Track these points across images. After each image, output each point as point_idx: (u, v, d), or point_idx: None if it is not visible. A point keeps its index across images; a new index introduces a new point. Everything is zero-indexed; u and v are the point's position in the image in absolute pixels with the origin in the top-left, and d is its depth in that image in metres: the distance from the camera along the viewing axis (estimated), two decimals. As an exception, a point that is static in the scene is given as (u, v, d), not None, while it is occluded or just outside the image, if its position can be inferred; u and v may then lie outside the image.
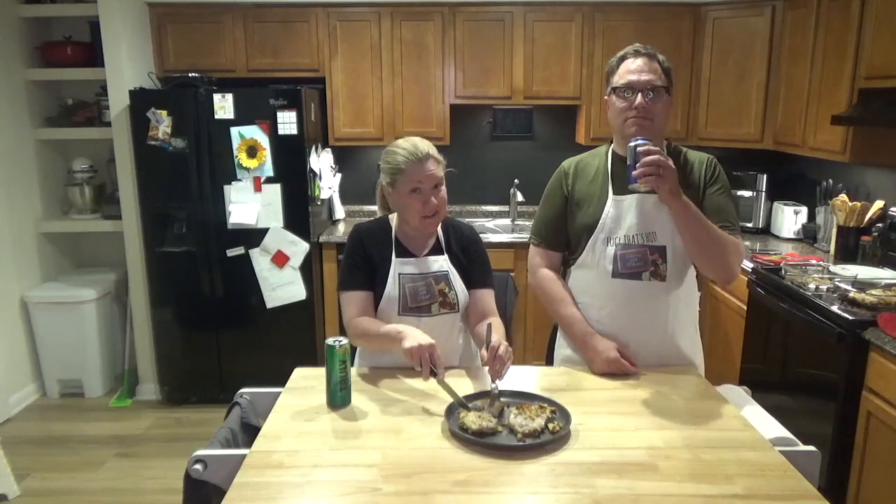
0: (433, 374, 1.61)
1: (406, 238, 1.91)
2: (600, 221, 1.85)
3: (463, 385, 1.71)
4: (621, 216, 1.84)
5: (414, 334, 1.65)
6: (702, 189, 1.84)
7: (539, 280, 1.98)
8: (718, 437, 1.49)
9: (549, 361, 2.07)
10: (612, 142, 1.95)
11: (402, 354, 1.65)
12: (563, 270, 2.01)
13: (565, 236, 1.95)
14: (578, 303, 1.93)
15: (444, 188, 1.84)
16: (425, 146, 1.82)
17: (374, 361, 1.91)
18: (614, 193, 1.86)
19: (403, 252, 1.90)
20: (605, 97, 1.89)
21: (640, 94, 1.77)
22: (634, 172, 1.62)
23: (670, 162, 1.62)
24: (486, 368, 1.65)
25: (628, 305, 1.85)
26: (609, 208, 1.85)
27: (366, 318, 1.84)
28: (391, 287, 1.85)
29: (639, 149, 1.61)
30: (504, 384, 1.67)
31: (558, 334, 2.04)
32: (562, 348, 2.00)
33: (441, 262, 1.90)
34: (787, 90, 3.48)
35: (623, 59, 1.83)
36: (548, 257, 1.98)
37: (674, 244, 1.82)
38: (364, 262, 1.88)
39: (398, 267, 1.87)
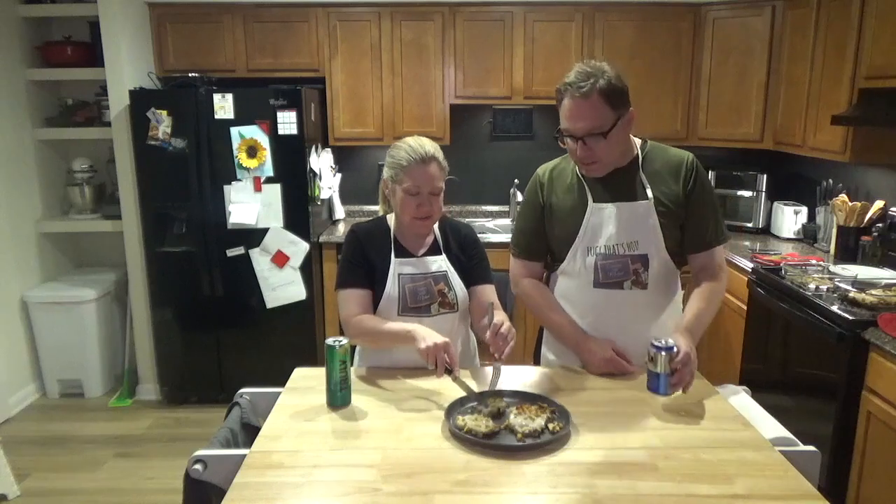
0: (448, 372, 1.63)
1: (404, 237, 1.91)
2: (581, 230, 1.83)
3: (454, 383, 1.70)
4: (602, 224, 1.82)
5: (426, 334, 1.66)
6: (682, 194, 1.82)
7: (523, 289, 1.97)
8: (718, 437, 1.48)
9: (536, 361, 2.06)
10: None
11: (407, 352, 1.67)
12: (546, 274, 2.01)
13: (545, 246, 1.94)
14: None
15: (441, 197, 1.84)
16: (431, 148, 1.82)
17: (374, 361, 1.91)
18: (595, 201, 1.84)
19: (402, 252, 1.90)
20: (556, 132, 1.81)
21: (579, 143, 1.73)
22: (674, 381, 1.60)
23: (693, 353, 1.63)
24: (490, 347, 1.66)
25: (610, 314, 1.84)
26: (589, 216, 1.83)
27: (368, 316, 1.84)
28: (391, 287, 1.85)
29: (671, 361, 1.59)
30: (504, 384, 1.67)
31: (544, 340, 2.04)
32: (548, 353, 2.00)
33: (440, 262, 1.90)
34: (787, 90, 3.48)
35: (564, 92, 1.72)
36: (528, 268, 1.97)
37: (657, 252, 1.81)
38: (363, 261, 1.88)
39: (397, 267, 1.87)
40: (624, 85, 1.72)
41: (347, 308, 1.87)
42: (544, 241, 1.93)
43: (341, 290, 1.89)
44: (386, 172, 1.87)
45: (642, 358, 1.84)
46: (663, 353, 1.58)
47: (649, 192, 1.81)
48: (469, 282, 1.94)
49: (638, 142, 1.87)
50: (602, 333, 1.85)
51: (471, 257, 1.95)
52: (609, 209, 1.82)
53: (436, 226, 1.94)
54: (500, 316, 1.71)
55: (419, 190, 1.79)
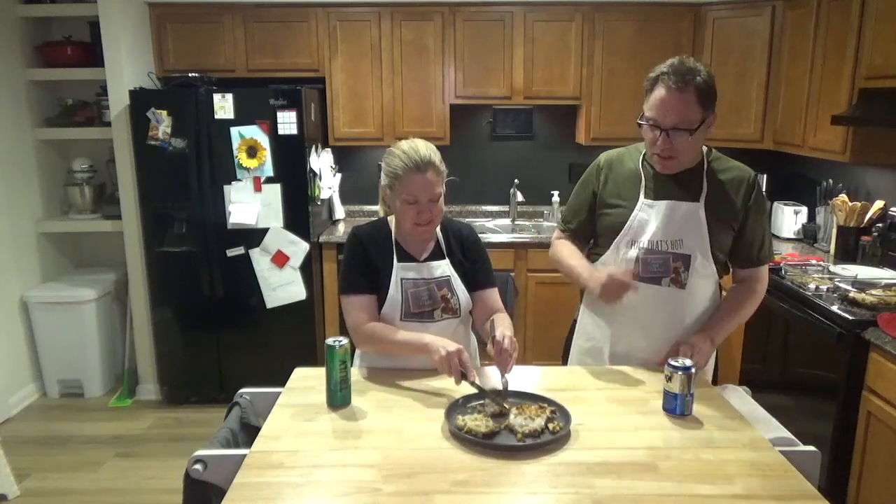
0: (464, 377, 1.63)
1: (405, 241, 1.89)
2: (627, 223, 1.86)
3: (465, 386, 1.70)
4: (649, 220, 1.84)
5: (439, 343, 1.67)
6: (741, 210, 1.84)
7: (553, 247, 2.03)
8: (718, 437, 1.49)
9: (566, 355, 2.09)
10: None
11: (417, 360, 1.70)
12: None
13: (591, 229, 1.98)
14: (598, 299, 1.92)
15: (441, 201, 1.80)
16: (427, 153, 1.76)
17: (374, 362, 1.90)
18: (646, 197, 1.86)
19: (404, 256, 1.88)
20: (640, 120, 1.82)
21: (663, 134, 1.73)
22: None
23: (702, 351, 1.74)
24: (495, 363, 1.66)
25: (644, 309, 1.86)
26: (638, 211, 1.85)
27: (379, 325, 1.82)
28: (394, 292, 1.83)
29: (691, 378, 1.57)
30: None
31: (577, 327, 2.05)
32: (580, 340, 2.03)
33: (443, 267, 1.89)
34: (787, 90, 3.48)
35: (657, 81, 1.74)
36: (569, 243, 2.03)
37: (701, 255, 1.82)
38: (366, 265, 1.86)
39: (400, 272, 1.85)
40: (715, 87, 1.74)
41: (354, 315, 1.84)
42: (591, 225, 1.97)
43: (346, 297, 1.86)
44: (383, 179, 1.84)
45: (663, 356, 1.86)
46: (681, 374, 1.56)
47: (703, 197, 1.82)
48: (473, 286, 1.92)
49: (704, 148, 1.88)
50: (634, 326, 1.89)
51: (473, 260, 1.94)
52: (658, 206, 1.83)
53: (437, 228, 1.91)
54: (500, 329, 1.70)
55: (417, 199, 1.76)
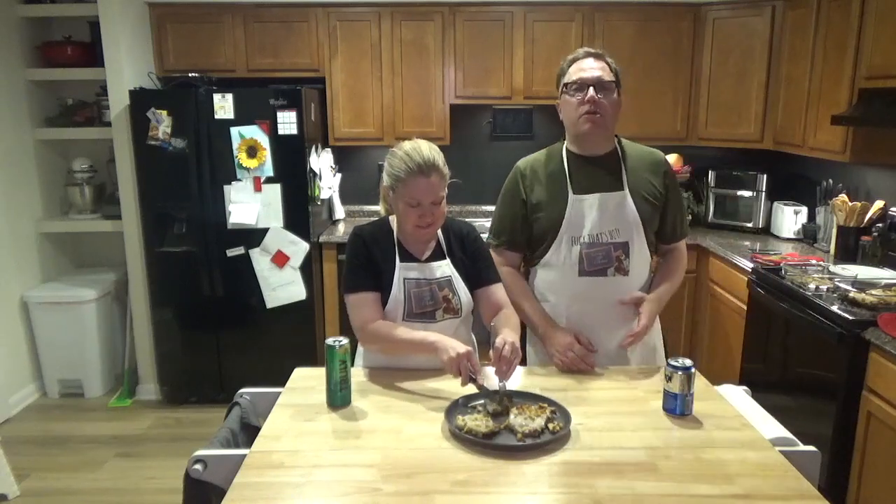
0: (472, 380, 1.62)
1: (407, 241, 1.89)
2: (564, 221, 1.90)
3: (468, 386, 1.70)
4: (584, 214, 1.90)
5: (448, 344, 1.66)
6: (662, 189, 1.95)
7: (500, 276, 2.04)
8: (718, 437, 1.49)
9: (523, 358, 2.08)
10: (564, 139, 2.00)
11: (420, 359, 1.71)
12: (525, 269, 2.07)
13: (525, 237, 2.00)
14: (545, 302, 1.99)
15: (444, 203, 1.79)
16: (431, 156, 1.74)
17: (374, 361, 1.90)
18: (574, 193, 1.91)
19: (406, 256, 1.87)
20: (557, 100, 1.96)
21: (590, 88, 1.84)
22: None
23: (649, 310, 1.88)
24: (494, 370, 1.66)
25: (595, 302, 1.92)
26: (570, 208, 1.90)
27: (386, 323, 1.80)
28: (396, 292, 1.82)
29: (691, 378, 1.57)
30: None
31: (527, 335, 2.06)
32: (534, 344, 2.03)
33: (444, 268, 1.88)
34: (787, 90, 3.48)
35: (573, 60, 1.92)
36: (506, 257, 2.04)
37: (637, 240, 1.91)
38: (369, 263, 1.85)
39: (402, 272, 1.84)
40: (620, 79, 1.93)
41: (361, 313, 1.82)
42: (525, 232, 1.99)
43: (352, 295, 1.84)
44: (385, 180, 1.82)
45: (618, 344, 1.92)
46: (681, 374, 1.56)
47: (625, 183, 1.91)
48: (477, 283, 1.92)
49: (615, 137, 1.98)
50: (587, 321, 1.92)
51: (475, 259, 1.93)
52: (590, 199, 1.90)
53: (431, 236, 1.91)
54: (500, 337, 1.68)
55: (420, 202, 1.75)
